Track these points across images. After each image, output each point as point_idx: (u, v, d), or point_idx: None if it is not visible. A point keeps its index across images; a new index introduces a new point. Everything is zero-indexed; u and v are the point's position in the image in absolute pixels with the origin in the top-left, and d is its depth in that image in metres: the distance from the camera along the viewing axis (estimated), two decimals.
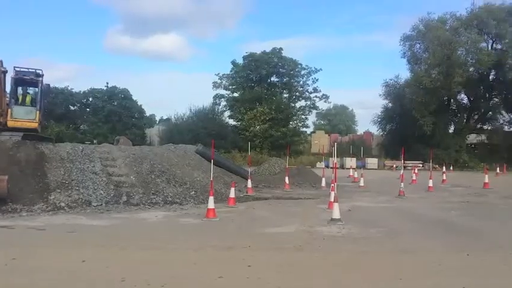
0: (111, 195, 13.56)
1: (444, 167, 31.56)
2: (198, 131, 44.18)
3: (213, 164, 14.23)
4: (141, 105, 55.41)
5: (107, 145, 18.49)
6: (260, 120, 47.48)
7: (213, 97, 52.15)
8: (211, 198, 11.89)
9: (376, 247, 8.85)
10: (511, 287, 6.33)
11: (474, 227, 11.24)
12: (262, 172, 24.14)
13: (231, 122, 52.09)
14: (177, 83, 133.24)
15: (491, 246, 8.90)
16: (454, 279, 6.63)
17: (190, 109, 50.42)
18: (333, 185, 13.56)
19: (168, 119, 58.81)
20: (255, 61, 49.37)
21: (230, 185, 15.05)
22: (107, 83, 54.14)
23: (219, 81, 51.59)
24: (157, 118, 75.00)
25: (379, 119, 49.27)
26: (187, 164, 17.49)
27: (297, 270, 7.09)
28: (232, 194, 14.37)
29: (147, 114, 59.44)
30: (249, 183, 17.98)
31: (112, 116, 51.47)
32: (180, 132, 45.05)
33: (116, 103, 53.03)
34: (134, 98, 54.57)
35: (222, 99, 52.10)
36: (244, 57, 50.71)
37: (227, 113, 52.19)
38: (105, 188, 13.73)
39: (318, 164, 38.17)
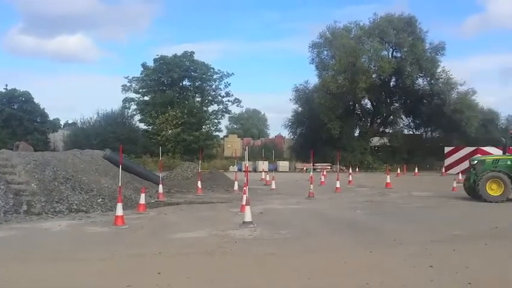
0: (10, 204, 12.65)
1: (350, 169, 33.03)
2: (107, 136, 42.55)
3: (122, 169, 13.78)
4: (43, 109, 52.33)
5: (5, 151, 17.22)
6: (172, 124, 46.74)
7: (123, 101, 50.53)
8: (119, 205, 11.50)
9: (286, 248, 9.03)
10: (411, 282, 6.68)
11: (377, 225, 11.84)
12: (175, 177, 23.78)
13: (142, 126, 50.80)
14: (84, 86, 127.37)
15: (393, 243, 9.41)
16: (358, 276, 6.92)
17: (98, 113, 48.50)
18: (245, 188, 13.68)
19: (74, 123, 56.11)
20: (167, 64, 48.54)
21: (140, 191, 14.65)
22: (6, 85, 50.57)
23: (128, 84, 50.06)
24: (63, 122, 71.27)
25: (289, 123, 50.37)
26: (94, 170, 16.78)
27: (207, 275, 7.03)
28: (142, 200, 14.01)
29: (51, 118, 56.12)
30: (161, 189, 17.61)
31: (12, 120, 48.10)
32: (87, 137, 43.15)
33: (16, 106, 49.65)
34: (36, 101, 51.41)
35: (132, 102, 50.55)
36: (155, 60, 49.66)
37: (137, 117, 50.75)
38: (3, 196, 12.78)
39: (231, 168, 38.30)
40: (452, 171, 36.69)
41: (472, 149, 38.63)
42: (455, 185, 22.60)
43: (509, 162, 17.55)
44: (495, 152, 37.63)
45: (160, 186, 17.75)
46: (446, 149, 41.03)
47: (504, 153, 18.68)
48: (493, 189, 17.07)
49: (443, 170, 38.21)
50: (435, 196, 19.62)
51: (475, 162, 18.49)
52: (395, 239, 9.76)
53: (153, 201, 16.44)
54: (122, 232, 10.68)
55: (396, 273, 7.13)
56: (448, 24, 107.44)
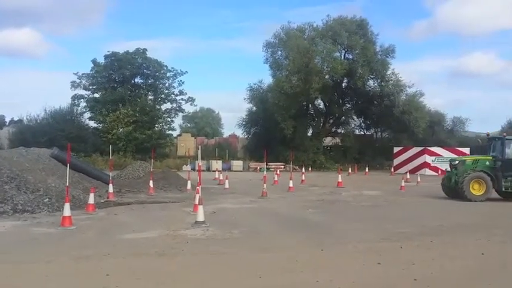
0: None
1: (303, 168, 33.42)
2: (54, 134, 41.09)
3: (70, 168, 13.38)
4: None
5: None
6: (123, 122, 45.73)
7: (72, 97, 48.93)
8: (67, 205, 11.14)
9: (238, 247, 9.01)
10: (360, 279, 6.81)
11: (328, 224, 12.04)
12: (126, 176, 23.29)
13: (92, 124, 49.42)
14: (31, 82, 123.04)
15: (343, 241, 9.57)
16: (308, 274, 7.00)
17: (46, 110, 46.78)
18: (198, 187, 13.57)
19: (20, 120, 53.96)
20: (118, 61, 47.45)
21: (89, 191, 14.24)
22: None
23: (78, 80, 48.53)
24: (8, 119, 68.47)
25: (244, 122, 50.46)
26: (40, 168, 16.19)
27: (158, 275, 6.92)
28: (91, 200, 13.63)
29: None
30: (111, 188, 17.22)
31: None
32: (33, 134, 41.55)
33: None
34: None
35: (82, 100, 49.06)
36: (106, 57, 48.40)
37: (87, 115, 49.33)
38: None
39: (184, 167, 37.91)
40: (401, 170, 37.84)
41: (419, 149, 40.02)
42: (403, 184, 23.32)
43: (487, 163, 18.27)
44: (441, 152, 39.32)
45: (111, 185, 17.36)
46: (395, 149, 42.29)
47: (482, 154, 19.38)
48: (475, 189, 17.73)
49: (392, 170, 39.31)
50: (384, 195, 20.17)
51: (456, 162, 19.06)
52: (346, 237, 9.95)
53: (102, 201, 16.07)
54: (69, 233, 10.35)
55: (346, 270, 7.25)
56: (397, 27, 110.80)
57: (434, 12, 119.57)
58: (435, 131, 49.94)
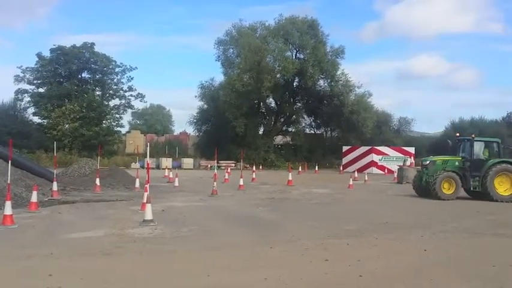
0: None
1: (254, 166, 33.56)
2: None
3: (12, 165, 12.80)
4: None
5: None
6: (69, 118, 44.33)
7: (15, 92, 47.05)
8: (8, 203, 10.69)
9: (187, 246, 8.92)
10: (307, 276, 6.89)
11: (277, 221, 12.13)
12: (71, 174, 22.60)
13: (36, 119, 47.76)
14: None
15: (292, 239, 9.66)
16: (257, 271, 7.02)
17: None
18: (146, 185, 13.34)
19: None
20: (64, 55, 45.96)
21: (32, 189, 13.71)
22: None
23: (22, 74, 46.69)
24: None
25: (195, 120, 50.17)
26: None
27: (103, 275, 6.74)
28: (34, 198, 13.12)
29: None
30: (55, 186, 16.65)
31: None
32: None
33: None
34: None
35: (26, 94, 47.27)
36: (52, 50, 46.77)
37: (31, 110, 47.65)
38: None
39: (133, 165, 37.23)
40: (349, 169, 38.71)
41: (367, 148, 41.11)
42: (351, 182, 23.85)
43: (457, 163, 18.90)
44: (388, 151, 40.53)
45: (55, 183, 16.80)
46: (344, 148, 43.26)
47: (452, 154, 20.00)
48: (445, 188, 18.30)
49: (341, 168, 40.13)
50: (333, 193, 20.54)
51: (427, 162, 19.59)
52: (294, 235, 10.04)
53: (46, 199, 15.51)
54: (10, 232, 9.92)
55: (294, 267, 7.32)
56: (348, 29, 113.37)
57: (384, 14, 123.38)
58: (382, 130, 51.44)
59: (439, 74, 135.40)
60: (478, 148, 18.95)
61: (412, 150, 40.87)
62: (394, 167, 32.54)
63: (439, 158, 19.59)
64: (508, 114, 73.64)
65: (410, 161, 34.24)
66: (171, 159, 41.44)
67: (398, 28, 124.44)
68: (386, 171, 38.34)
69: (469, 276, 6.87)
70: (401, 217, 13.58)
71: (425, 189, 18.81)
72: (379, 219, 12.75)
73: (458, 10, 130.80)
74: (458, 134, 21.23)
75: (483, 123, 59.85)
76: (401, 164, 30.80)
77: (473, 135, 19.33)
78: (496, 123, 63.73)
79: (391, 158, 39.70)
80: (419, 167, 21.30)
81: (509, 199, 17.73)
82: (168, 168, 31.80)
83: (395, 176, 29.44)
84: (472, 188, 18.43)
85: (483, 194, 18.04)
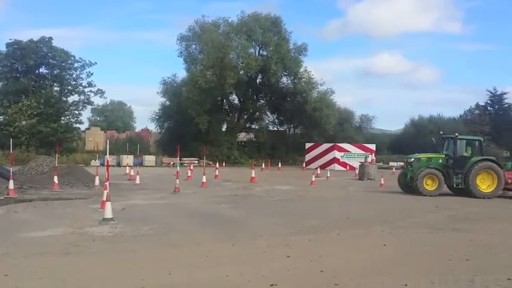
0: None
1: (217, 163, 33.38)
2: None
3: None
4: None
5: None
6: (27, 114, 42.88)
7: None
8: None
9: (147, 244, 8.75)
10: (269, 273, 6.83)
11: (240, 219, 12.07)
12: (28, 172, 21.83)
13: None
14: None
15: (254, 236, 9.61)
16: (219, 269, 6.93)
17: None
18: (106, 183, 13.02)
19: None
20: (21, 49, 44.38)
21: None
22: None
23: None
24: None
25: (157, 117, 49.56)
26: None
27: (61, 275, 6.52)
28: None
29: None
30: (11, 184, 16.06)
31: None
32: None
33: None
34: None
35: None
36: (8, 45, 45.09)
37: None
38: None
39: (93, 162, 36.37)
40: (312, 166, 39.03)
41: (329, 145, 41.58)
42: (314, 179, 24.04)
43: (440, 161, 19.29)
44: (349, 148, 41.13)
45: (11, 181, 16.21)
46: (307, 145, 43.61)
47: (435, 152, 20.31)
48: (428, 185, 18.63)
49: (304, 165, 40.44)
50: (296, 190, 20.63)
51: (412, 160, 20.01)
52: (257, 232, 10.00)
53: (2, 198, 15.06)
54: None
55: (256, 264, 7.26)
56: (311, 26, 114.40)
57: (347, 12, 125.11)
58: (344, 127, 52.17)
59: (401, 72, 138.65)
60: (461, 146, 19.48)
61: (373, 147, 41.59)
62: (356, 164, 33.00)
63: (423, 156, 20.09)
64: (465, 112, 76.12)
65: (371, 157, 34.76)
66: (132, 156, 40.75)
67: (361, 26, 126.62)
68: (348, 167, 38.89)
69: (427, 271, 6.97)
70: (362, 213, 13.76)
71: (410, 186, 19.20)
72: (341, 215, 12.88)
73: (419, 9, 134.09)
74: (441, 132, 21.81)
75: (441, 121, 61.65)
76: (363, 161, 31.25)
77: (456, 134, 19.91)
78: (454, 121, 65.74)
79: (352, 154, 40.28)
80: (402, 163, 21.56)
81: (490, 196, 18.23)
82: (129, 166, 31.25)
83: (357, 172, 29.87)
84: (455, 185, 18.88)
85: (466, 190, 18.49)
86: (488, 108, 75.10)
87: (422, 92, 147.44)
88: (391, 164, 45.09)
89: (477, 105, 75.36)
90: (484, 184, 18.53)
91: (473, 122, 69.23)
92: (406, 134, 62.92)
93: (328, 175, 29.17)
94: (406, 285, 6.13)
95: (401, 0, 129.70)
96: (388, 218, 12.44)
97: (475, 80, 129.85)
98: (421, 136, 57.91)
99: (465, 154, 19.26)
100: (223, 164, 39.30)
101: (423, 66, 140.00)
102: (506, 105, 73.77)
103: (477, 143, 19.73)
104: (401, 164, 48.81)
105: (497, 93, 74.40)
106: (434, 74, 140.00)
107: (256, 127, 51.09)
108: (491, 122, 69.99)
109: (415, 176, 18.64)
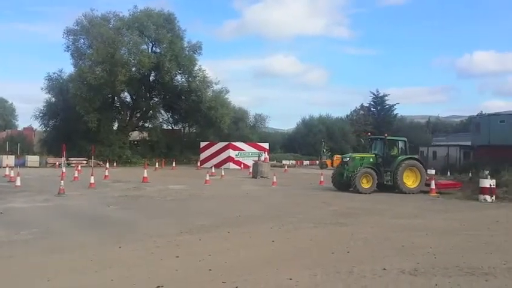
0: None
1: (108, 163, 32.10)
2: None
3: None
4: None
5: None
6: None
7: None
8: None
9: (26, 249, 8.18)
10: (155, 275, 6.66)
11: (129, 220, 11.71)
12: None
13: None
14: None
15: (143, 237, 9.35)
16: (104, 273, 6.63)
17: None
18: None
19: None
20: None
21: None
22: None
23: None
24: None
25: (41, 114, 46.41)
26: None
27: None
28: None
29: None
30: None
31: None
32: None
33: None
34: None
35: None
36: None
37: None
38: None
39: None
40: (207, 164, 39.06)
41: (224, 144, 41.91)
42: (208, 178, 24.04)
43: (371, 160, 20.41)
44: (244, 147, 41.80)
45: None
46: (202, 144, 43.56)
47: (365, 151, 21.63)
48: (363, 183, 19.47)
49: (199, 164, 40.32)
50: (189, 189, 20.48)
51: (347, 159, 20.92)
52: (146, 233, 9.75)
53: None
54: None
55: (143, 266, 7.05)
56: (207, 26, 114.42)
57: (243, 13, 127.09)
58: (239, 126, 52.89)
59: (294, 74, 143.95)
60: (390, 146, 20.94)
61: (266, 145, 42.62)
62: (250, 162, 33.57)
63: (357, 155, 21.33)
64: (351, 112, 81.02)
65: (264, 156, 35.60)
66: (13, 156, 37.85)
67: (256, 28, 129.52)
68: (242, 166, 39.45)
69: (311, 264, 7.25)
70: (253, 210, 14.00)
71: (345, 184, 20.12)
72: (233, 213, 12.99)
73: (310, 14, 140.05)
74: (369, 134, 22.99)
75: (330, 121, 65.01)
76: (257, 159, 31.88)
77: (386, 135, 21.43)
78: (341, 121, 69.71)
79: (247, 153, 40.95)
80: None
81: (416, 191, 19.75)
82: (10, 167, 28.99)
83: (251, 170, 30.38)
84: (384, 182, 20.05)
85: (394, 187, 19.81)
86: (372, 109, 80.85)
87: (313, 93, 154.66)
88: (284, 162, 46.62)
89: (362, 106, 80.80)
90: (409, 180, 20.12)
91: (359, 121, 74.12)
92: (298, 133, 65.51)
93: (223, 174, 29.33)
94: (290, 279, 6.31)
95: (295, 3, 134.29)
96: (277, 215, 12.79)
97: (360, 82, 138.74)
98: (311, 135, 60.80)
99: (393, 153, 20.79)
100: (115, 164, 37.91)
101: (314, 68, 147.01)
102: (387, 106, 79.95)
103: (401, 143, 21.32)
104: (293, 162, 50.93)
105: (380, 95, 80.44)
106: (324, 75, 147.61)
107: (150, 126, 49.99)
108: (374, 121, 75.31)
109: (353, 175, 19.66)
